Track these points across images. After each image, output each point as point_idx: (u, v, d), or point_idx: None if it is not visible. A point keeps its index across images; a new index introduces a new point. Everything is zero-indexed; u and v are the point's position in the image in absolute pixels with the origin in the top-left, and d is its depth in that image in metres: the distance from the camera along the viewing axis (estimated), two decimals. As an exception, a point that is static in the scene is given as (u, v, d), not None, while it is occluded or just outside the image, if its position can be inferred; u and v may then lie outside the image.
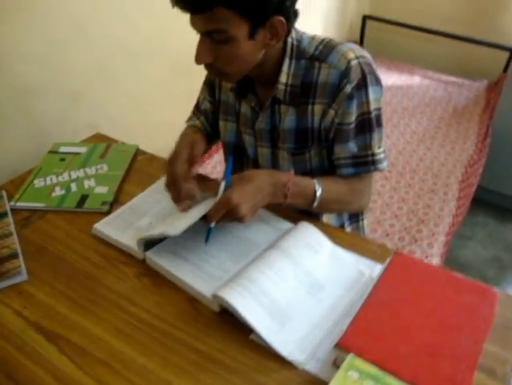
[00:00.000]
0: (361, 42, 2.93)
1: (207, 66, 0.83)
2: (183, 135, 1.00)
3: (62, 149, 1.19)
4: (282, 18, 0.77)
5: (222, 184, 0.80)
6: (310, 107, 0.88)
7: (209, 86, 1.04)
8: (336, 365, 0.64)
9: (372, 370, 0.61)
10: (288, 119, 0.91)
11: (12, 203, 1.00)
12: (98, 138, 1.27)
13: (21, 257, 0.86)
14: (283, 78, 0.87)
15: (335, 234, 0.88)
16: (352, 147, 0.89)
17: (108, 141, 1.23)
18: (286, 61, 0.86)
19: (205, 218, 0.79)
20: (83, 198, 1.01)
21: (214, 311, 0.76)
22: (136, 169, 1.12)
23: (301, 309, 0.74)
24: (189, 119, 1.11)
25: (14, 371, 0.69)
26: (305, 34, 0.89)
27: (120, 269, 0.84)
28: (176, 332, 0.73)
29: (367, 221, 1.13)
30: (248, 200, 0.78)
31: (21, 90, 1.20)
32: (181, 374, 0.67)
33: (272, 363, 0.68)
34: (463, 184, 1.92)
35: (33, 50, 1.19)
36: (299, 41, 0.87)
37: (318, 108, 0.88)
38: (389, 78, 2.68)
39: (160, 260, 0.83)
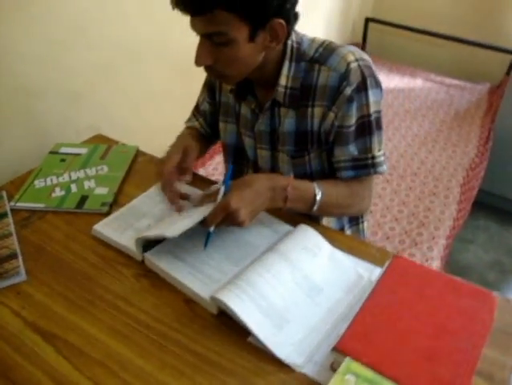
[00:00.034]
0: (363, 45, 2.93)
1: (207, 69, 0.83)
2: (179, 138, 1.01)
3: (63, 150, 1.19)
4: (282, 21, 0.77)
5: (222, 189, 0.81)
6: (309, 109, 0.88)
7: (209, 87, 1.04)
8: (333, 368, 0.64)
9: (369, 374, 0.61)
10: (288, 121, 0.91)
11: (12, 203, 1.00)
12: (99, 139, 1.27)
13: (20, 258, 0.86)
14: (283, 80, 0.87)
15: (334, 237, 0.88)
16: (352, 150, 0.89)
17: (109, 142, 1.24)
18: (286, 63, 0.86)
19: (203, 222, 0.79)
20: (83, 199, 1.01)
21: (212, 313, 0.75)
22: (136, 170, 1.12)
23: (299, 312, 0.74)
24: (188, 120, 1.11)
25: (11, 372, 0.69)
26: (305, 36, 0.89)
27: (119, 270, 0.84)
28: (173, 334, 0.73)
29: (367, 224, 1.13)
30: (247, 205, 0.78)
31: (21, 90, 1.20)
32: (178, 376, 0.67)
33: (269, 366, 0.68)
34: (464, 187, 1.91)
35: (32, 50, 1.20)
36: (299, 43, 0.87)
37: (317, 111, 0.88)
38: (391, 80, 2.68)
39: (158, 261, 0.83)
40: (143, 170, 1.13)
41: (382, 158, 0.91)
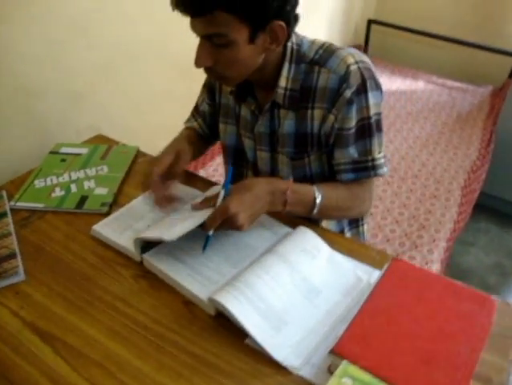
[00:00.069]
0: (366, 47, 2.93)
1: (207, 70, 0.83)
2: (175, 140, 1.01)
3: (63, 150, 1.19)
4: (282, 23, 0.77)
5: (221, 193, 0.81)
6: (309, 111, 0.88)
7: (209, 89, 1.04)
8: (330, 371, 0.64)
9: (366, 377, 0.61)
10: (287, 123, 0.91)
11: (12, 203, 1.00)
12: (99, 139, 1.27)
13: (19, 258, 0.86)
14: (283, 82, 0.87)
15: (333, 239, 0.88)
16: (352, 152, 0.89)
17: (109, 142, 1.24)
18: (286, 65, 0.86)
19: (203, 226, 0.79)
20: (83, 199, 1.01)
21: (210, 315, 0.75)
22: (136, 171, 1.12)
23: (297, 314, 0.74)
24: (188, 120, 1.11)
25: (9, 372, 0.69)
26: (305, 38, 0.89)
27: (118, 271, 0.84)
28: (171, 335, 0.73)
29: (367, 227, 1.13)
30: (246, 208, 0.78)
31: (21, 90, 1.20)
32: (176, 378, 0.67)
33: (267, 368, 0.68)
34: (465, 190, 1.91)
35: (32, 50, 1.20)
36: (299, 45, 0.87)
37: (317, 113, 0.88)
38: (393, 82, 2.67)
39: (157, 262, 0.83)
40: (143, 171, 1.12)
41: (382, 160, 0.91)
